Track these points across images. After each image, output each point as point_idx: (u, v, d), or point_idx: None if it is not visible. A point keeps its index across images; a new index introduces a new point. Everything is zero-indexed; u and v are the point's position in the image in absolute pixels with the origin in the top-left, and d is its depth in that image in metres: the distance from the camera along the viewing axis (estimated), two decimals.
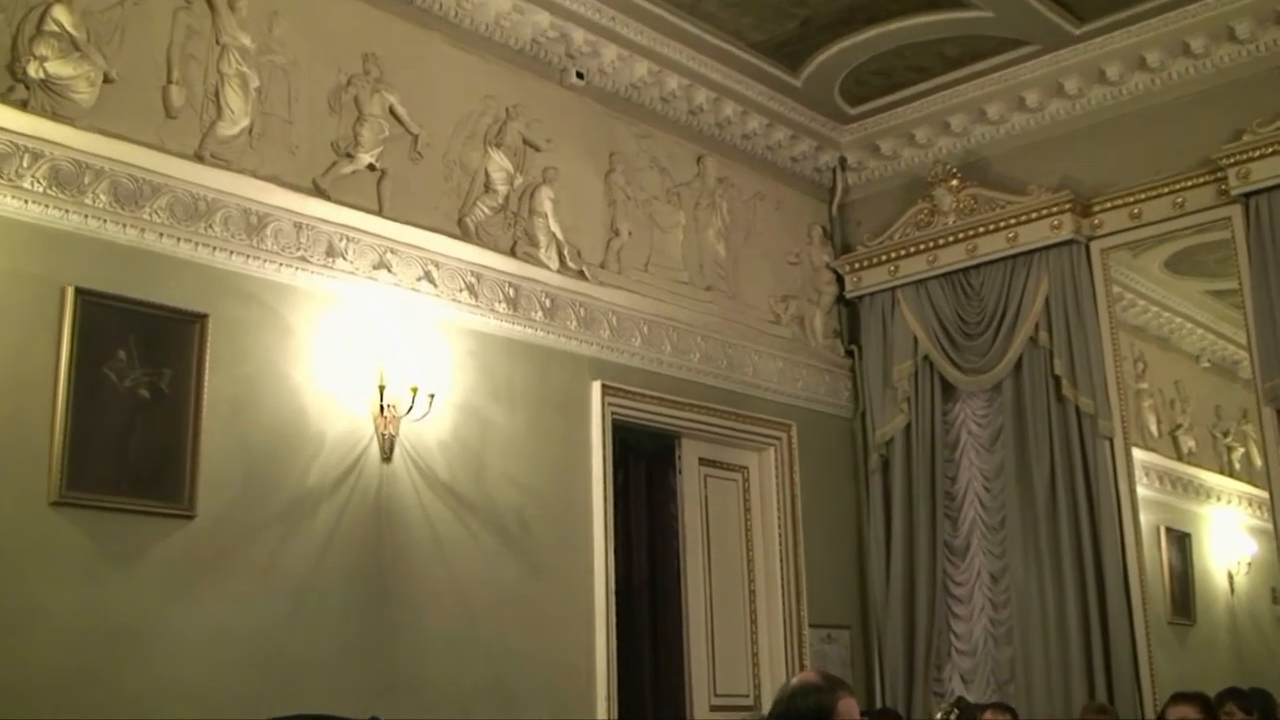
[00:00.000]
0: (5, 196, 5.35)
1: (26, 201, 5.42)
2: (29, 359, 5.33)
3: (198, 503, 5.72)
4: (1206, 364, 9.25)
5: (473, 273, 7.14)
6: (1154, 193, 8.20)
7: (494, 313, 7.22)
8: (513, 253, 7.43)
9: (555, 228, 7.65)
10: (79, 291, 5.48)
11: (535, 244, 7.55)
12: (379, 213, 6.77)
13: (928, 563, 8.82)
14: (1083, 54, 8.50)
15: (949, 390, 9.06)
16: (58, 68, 5.60)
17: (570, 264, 7.72)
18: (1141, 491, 8.23)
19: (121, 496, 5.48)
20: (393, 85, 6.96)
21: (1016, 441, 8.57)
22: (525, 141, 7.65)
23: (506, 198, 7.45)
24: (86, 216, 5.60)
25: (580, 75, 8.00)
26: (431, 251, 6.95)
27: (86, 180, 5.61)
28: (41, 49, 5.56)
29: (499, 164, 7.42)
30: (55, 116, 5.57)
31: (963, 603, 8.82)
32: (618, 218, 8.17)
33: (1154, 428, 8.84)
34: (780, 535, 8.74)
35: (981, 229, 8.85)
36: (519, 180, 7.53)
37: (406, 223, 6.87)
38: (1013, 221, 8.69)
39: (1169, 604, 8.46)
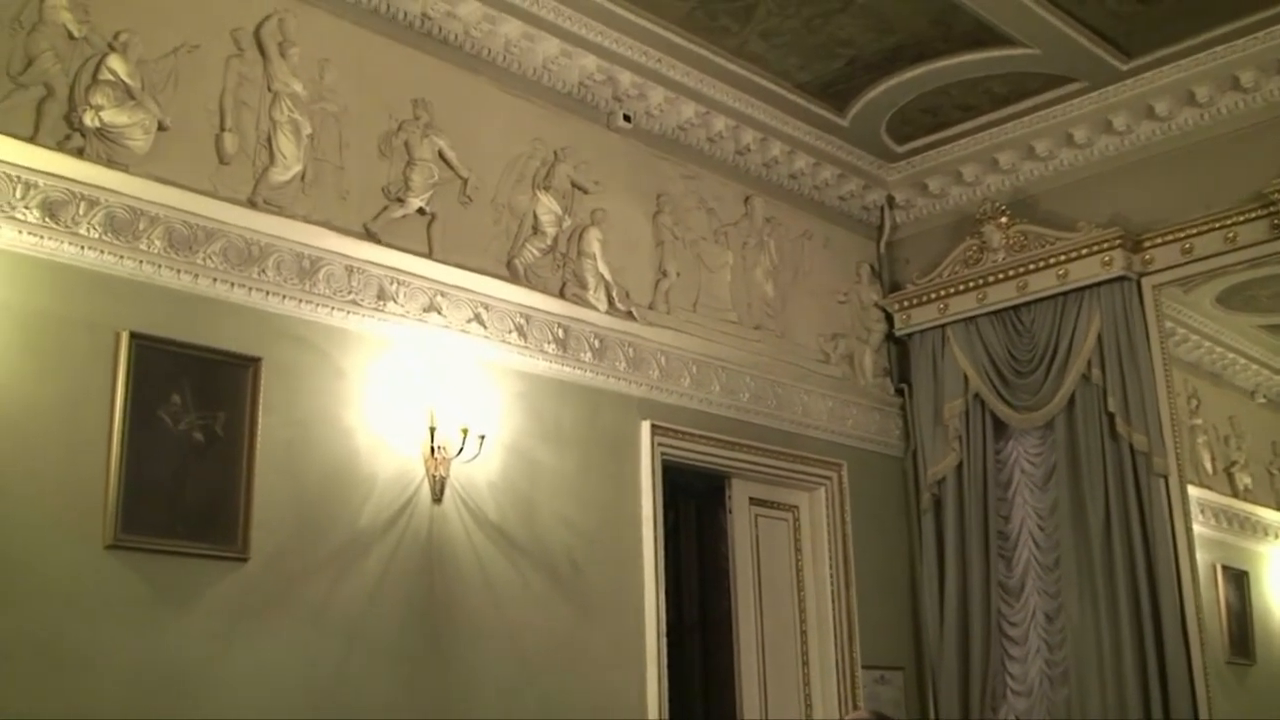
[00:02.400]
0: (62, 243, 5.44)
1: (83, 248, 5.50)
2: (85, 404, 5.39)
3: (251, 545, 5.75)
4: (1261, 400, 9.16)
5: (522, 314, 7.17)
6: (1205, 228, 8.13)
7: (543, 354, 7.24)
8: (561, 294, 7.46)
9: (604, 269, 7.68)
10: (134, 336, 5.54)
11: (584, 285, 7.58)
12: (429, 256, 6.82)
13: (982, 603, 8.74)
14: (1131, 90, 8.46)
15: (1001, 428, 8.99)
16: (113, 116, 5.69)
17: (619, 305, 7.74)
18: (1198, 529, 8.11)
19: (176, 540, 5.51)
20: (442, 130, 7.03)
21: (1070, 480, 8.49)
22: (573, 184, 7.70)
23: (555, 240, 7.49)
24: (141, 262, 5.67)
25: (627, 118, 8.05)
26: (481, 294, 6.99)
27: (141, 226, 5.68)
28: (97, 98, 5.66)
29: (547, 206, 7.46)
30: (110, 164, 5.66)
31: (1018, 643, 8.72)
32: (666, 258, 8.19)
33: (1209, 464, 8.74)
34: (832, 575, 8.69)
35: (1031, 266, 8.79)
36: (567, 222, 7.57)
37: (456, 265, 6.92)
38: (1063, 258, 8.63)
39: (1227, 643, 8.33)
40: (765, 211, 8.97)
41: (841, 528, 8.82)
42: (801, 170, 9.16)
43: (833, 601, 8.63)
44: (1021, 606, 8.74)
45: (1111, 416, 8.29)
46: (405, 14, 6.97)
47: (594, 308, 7.58)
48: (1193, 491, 8.19)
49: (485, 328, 6.97)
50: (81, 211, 5.51)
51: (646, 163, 8.27)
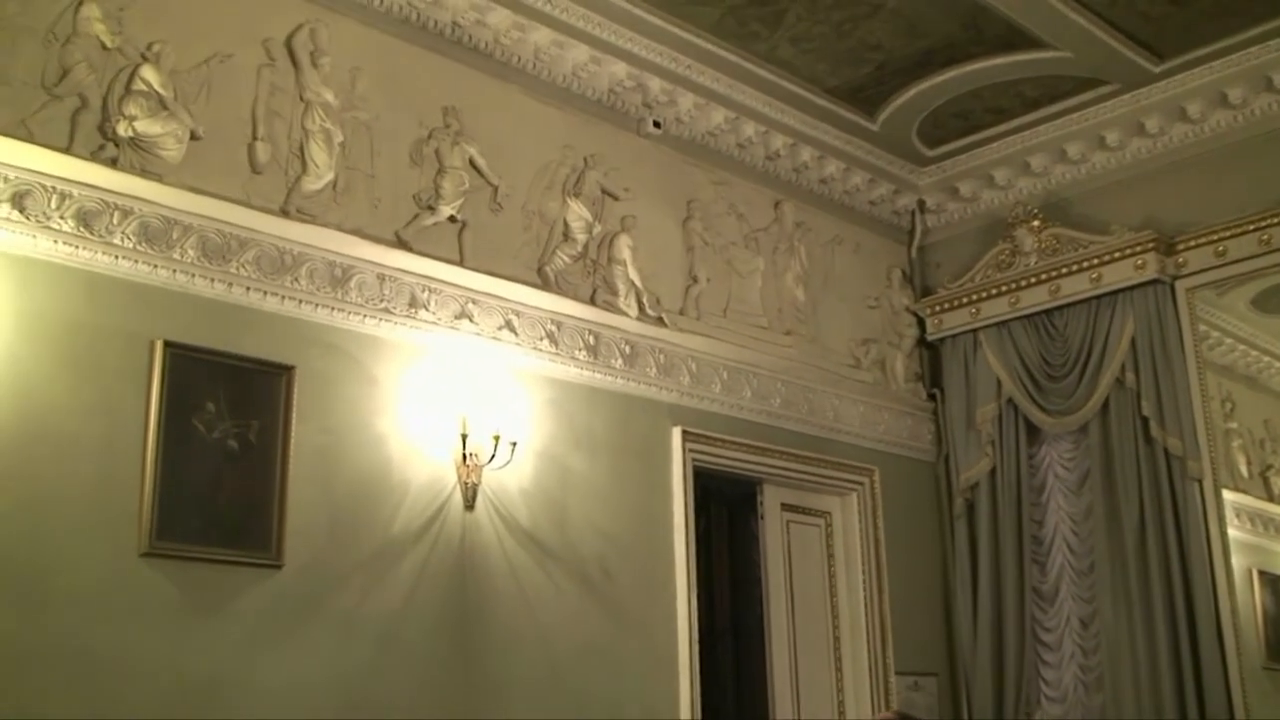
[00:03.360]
0: (96, 253, 5.48)
1: (117, 257, 5.54)
2: (120, 412, 5.43)
3: (285, 553, 5.78)
4: None
5: (553, 321, 7.19)
6: (1239, 230, 8.07)
7: (574, 360, 7.25)
8: (592, 301, 7.47)
9: (634, 275, 7.68)
10: (168, 345, 5.58)
11: (614, 292, 7.59)
12: (460, 263, 6.85)
13: (1016, 608, 8.70)
14: (1163, 92, 8.42)
15: (1034, 433, 8.95)
16: (146, 126, 5.73)
17: (649, 311, 7.74)
18: (1233, 533, 8.05)
19: (210, 547, 5.54)
20: (473, 137, 7.05)
21: (1104, 484, 8.44)
22: (603, 190, 7.71)
23: (585, 246, 7.50)
24: (175, 271, 5.71)
25: (657, 124, 8.05)
26: (512, 301, 7.01)
27: (175, 236, 5.72)
28: (130, 108, 5.70)
29: (578, 213, 7.48)
30: (144, 174, 5.70)
31: (1052, 649, 8.68)
32: (696, 264, 8.19)
33: (1244, 468, 8.67)
34: (864, 581, 8.67)
35: (1064, 270, 8.76)
36: (598, 229, 7.59)
37: (487, 273, 6.94)
38: (1096, 262, 8.60)
39: (1263, 648, 8.25)
40: (795, 217, 8.97)
41: (874, 533, 8.80)
42: (832, 175, 9.15)
43: (866, 607, 8.61)
44: (1055, 612, 8.70)
45: (1146, 420, 8.25)
46: (436, 22, 7.00)
47: (625, 314, 7.58)
48: (1228, 496, 8.13)
49: (516, 335, 6.99)
50: (116, 221, 5.55)
51: (676, 169, 8.27)
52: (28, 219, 5.30)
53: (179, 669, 5.37)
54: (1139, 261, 8.39)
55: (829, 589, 8.67)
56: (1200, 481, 8.03)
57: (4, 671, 4.92)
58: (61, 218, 5.39)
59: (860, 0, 7.43)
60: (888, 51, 8.04)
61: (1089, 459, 8.62)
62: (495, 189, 7.13)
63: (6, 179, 5.27)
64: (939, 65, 8.24)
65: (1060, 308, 8.82)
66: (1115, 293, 8.52)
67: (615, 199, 7.77)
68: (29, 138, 5.38)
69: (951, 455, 9.27)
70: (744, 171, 8.69)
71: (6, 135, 5.31)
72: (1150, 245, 8.33)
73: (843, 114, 8.74)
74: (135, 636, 5.27)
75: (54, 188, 5.39)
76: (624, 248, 7.68)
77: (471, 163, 7.02)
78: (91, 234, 5.47)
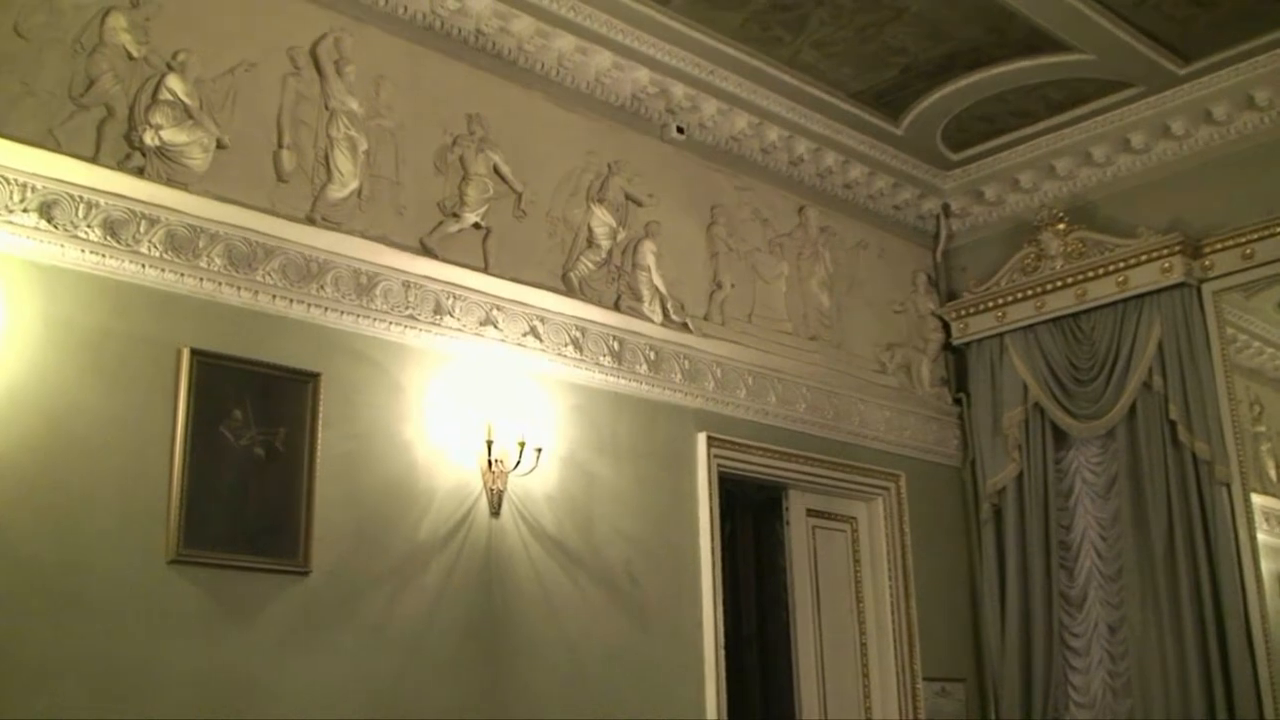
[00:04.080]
0: (123, 261, 5.51)
1: (144, 266, 5.57)
2: (147, 420, 5.45)
3: (312, 559, 5.80)
4: None
5: (577, 327, 7.19)
6: (1266, 233, 8.02)
7: (599, 366, 7.26)
8: (616, 307, 7.47)
9: (658, 281, 7.68)
10: (195, 353, 5.60)
11: (639, 298, 7.59)
12: (485, 270, 6.86)
13: (1043, 614, 8.66)
14: (1188, 94, 8.38)
15: (1061, 437, 8.91)
16: (172, 135, 5.76)
17: (674, 317, 7.74)
18: (1262, 538, 7.98)
19: (238, 554, 5.56)
20: (496, 144, 7.07)
21: (1132, 489, 8.40)
22: (627, 196, 7.72)
23: (610, 252, 7.50)
24: (202, 279, 5.73)
25: (681, 129, 8.06)
26: (536, 307, 7.01)
27: (201, 244, 5.75)
28: (156, 117, 5.74)
29: (602, 219, 7.48)
30: (170, 183, 5.73)
31: (1080, 655, 8.63)
32: (720, 270, 8.19)
33: (1272, 472, 8.60)
34: (891, 586, 8.64)
35: (1090, 273, 8.72)
36: (622, 235, 7.59)
37: (512, 279, 6.95)
38: (1122, 265, 8.56)
39: None
40: (820, 221, 8.95)
41: (900, 539, 8.77)
42: (856, 180, 9.13)
43: (892, 613, 8.58)
44: (1084, 617, 8.65)
45: (1173, 424, 8.20)
46: (459, 30, 7.02)
47: (649, 320, 7.58)
48: (1256, 500, 8.07)
49: (541, 341, 7.00)
50: (142, 230, 5.58)
51: (700, 174, 8.27)
52: (55, 228, 5.33)
53: (207, 676, 5.39)
54: (1165, 264, 8.35)
55: (855, 595, 8.64)
56: (1228, 485, 7.98)
57: (33, 678, 4.94)
58: (89, 227, 5.42)
59: (883, 4, 7.42)
60: (911, 55, 8.02)
61: (1116, 463, 8.58)
62: (519, 196, 7.14)
63: (34, 189, 5.30)
64: (963, 69, 8.23)
65: (1087, 311, 8.79)
66: (1142, 296, 8.48)
67: (639, 205, 7.78)
68: (56, 148, 5.42)
69: (978, 460, 9.24)
70: (768, 176, 8.69)
71: (34, 145, 5.35)
72: (1177, 248, 8.29)
73: (867, 118, 8.73)
74: (163, 643, 5.29)
75: (81, 197, 5.42)
76: (648, 253, 7.68)
77: (495, 169, 7.03)
78: (118, 243, 5.50)
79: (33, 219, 5.28)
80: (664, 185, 7.98)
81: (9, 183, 5.25)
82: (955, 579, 9.14)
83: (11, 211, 5.23)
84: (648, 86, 7.82)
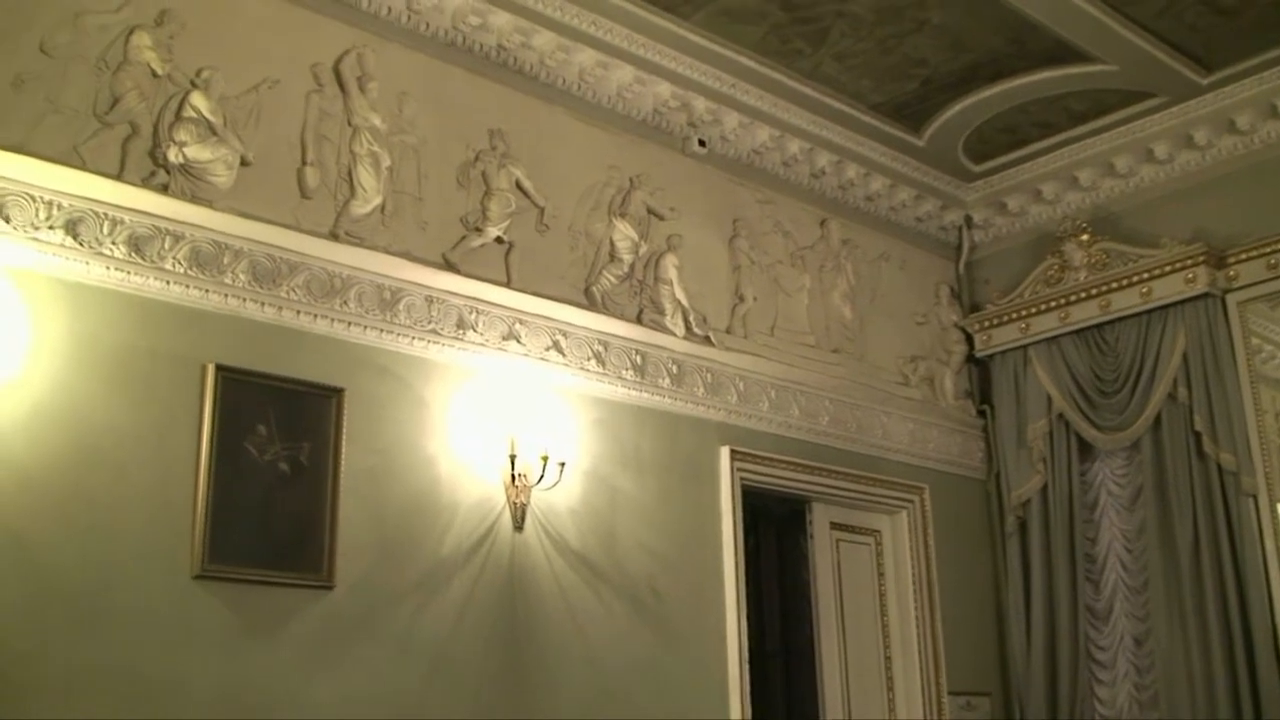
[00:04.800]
0: (148, 278, 5.54)
1: (168, 282, 5.59)
2: (172, 435, 5.47)
3: (336, 574, 5.81)
4: None
5: (600, 341, 7.20)
6: None
7: (621, 380, 7.26)
8: (639, 320, 7.48)
9: (680, 295, 7.68)
10: (220, 369, 5.62)
11: (661, 311, 7.59)
12: (507, 285, 6.87)
13: (1069, 627, 8.61)
14: (1211, 104, 8.35)
15: (1086, 449, 8.88)
16: (196, 152, 5.79)
17: (696, 330, 7.74)
18: None
19: (262, 569, 5.57)
20: (519, 159, 7.09)
21: (1158, 500, 8.36)
22: (649, 210, 7.73)
23: (632, 266, 7.51)
24: (226, 296, 5.76)
25: (702, 143, 8.07)
26: (559, 321, 7.02)
27: (226, 260, 5.78)
28: (181, 134, 5.76)
29: (624, 233, 7.49)
30: (195, 199, 5.76)
31: (1106, 668, 8.58)
32: (742, 283, 8.18)
33: None
34: (916, 600, 8.60)
35: (1114, 284, 8.69)
36: (644, 249, 7.60)
37: (534, 294, 6.96)
38: (1146, 276, 8.53)
39: None
40: (842, 234, 8.95)
41: (925, 552, 8.74)
42: (878, 192, 9.12)
43: (917, 626, 8.55)
44: (1109, 630, 8.61)
45: (1198, 436, 8.16)
46: (481, 45, 7.05)
47: (671, 333, 7.58)
48: None
49: (564, 355, 7.01)
50: (167, 246, 5.61)
51: (722, 187, 8.28)
52: (80, 245, 5.36)
53: (232, 690, 5.40)
54: (1190, 275, 8.32)
55: (879, 608, 8.61)
56: (1255, 497, 7.94)
57: (59, 693, 4.96)
58: (113, 244, 5.45)
59: (904, 16, 7.42)
60: (932, 67, 8.02)
61: (1142, 475, 8.54)
62: (541, 210, 7.16)
63: (59, 206, 5.33)
64: (984, 80, 8.22)
65: (1111, 322, 8.76)
66: (1166, 307, 8.45)
67: (661, 218, 7.78)
68: (81, 165, 5.45)
69: (1002, 472, 9.21)
70: (789, 189, 8.69)
71: (59, 163, 5.38)
72: (1201, 259, 8.26)
73: (888, 130, 8.72)
74: (188, 658, 5.31)
75: (106, 214, 5.45)
76: (670, 267, 7.68)
77: (518, 184, 7.05)
78: (143, 259, 5.53)
79: (58, 236, 5.31)
80: (686, 199, 7.99)
81: (35, 200, 5.28)
82: (980, 592, 9.10)
83: (37, 229, 5.26)
84: (669, 100, 7.83)
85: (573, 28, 7.24)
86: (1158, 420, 8.42)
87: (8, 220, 5.19)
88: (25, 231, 5.23)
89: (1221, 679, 7.80)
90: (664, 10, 7.30)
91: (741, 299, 8.14)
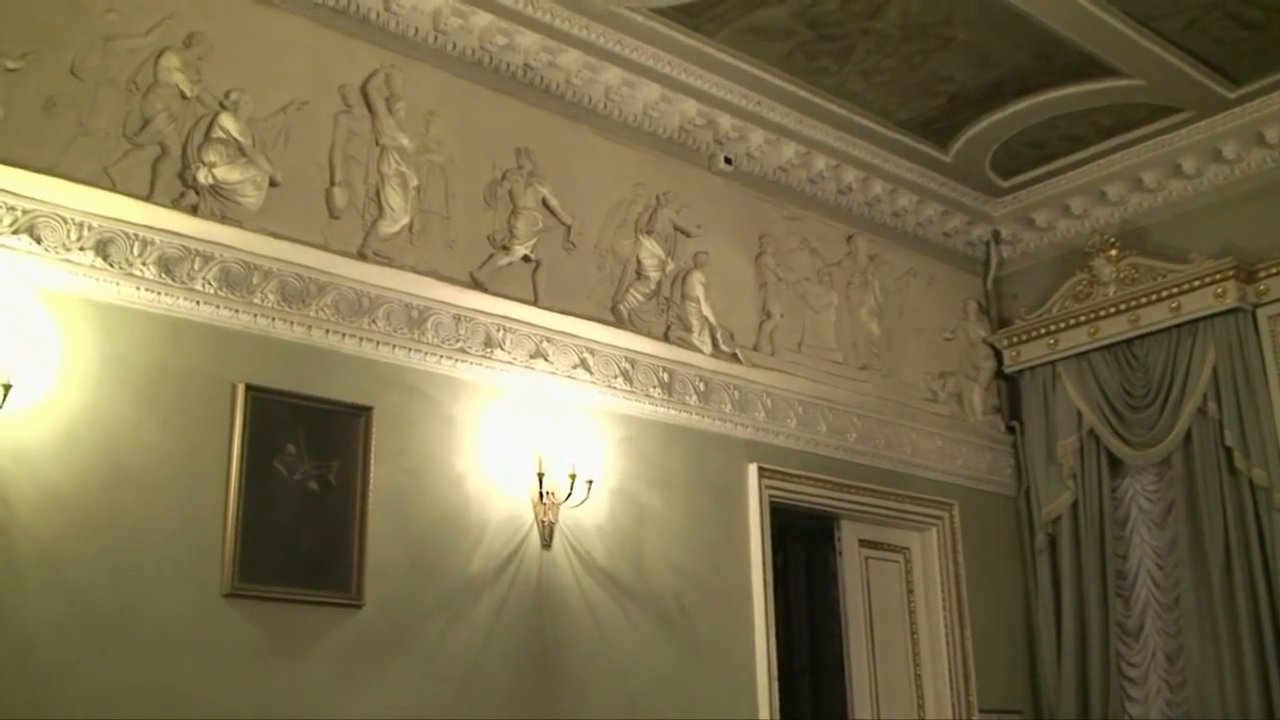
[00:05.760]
0: (178, 298, 5.57)
1: (198, 303, 5.63)
2: (203, 455, 5.51)
3: (365, 592, 5.82)
4: None
5: (627, 359, 7.20)
6: None
7: (649, 398, 7.26)
8: (666, 338, 7.48)
9: (707, 312, 7.68)
10: (249, 388, 5.66)
11: (688, 328, 7.59)
12: (534, 303, 6.89)
13: (1100, 644, 8.56)
14: (1239, 118, 8.31)
15: (1116, 465, 8.83)
16: (226, 173, 5.84)
17: (723, 347, 7.74)
18: None
19: (292, 587, 5.60)
20: (545, 178, 7.11)
21: (1189, 516, 8.31)
22: (676, 228, 7.73)
23: (659, 284, 7.52)
24: (256, 315, 5.79)
25: (728, 160, 8.07)
26: (586, 339, 7.03)
27: (255, 281, 5.81)
28: (210, 156, 5.81)
29: (650, 251, 7.50)
30: (224, 220, 5.80)
31: (1138, 684, 8.53)
32: (769, 300, 8.18)
33: None
34: (946, 617, 8.56)
35: (1143, 299, 8.65)
36: (670, 266, 7.60)
37: (561, 312, 6.97)
38: (1175, 290, 8.49)
39: None
40: (869, 250, 8.93)
41: (954, 569, 8.70)
42: (905, 208, 9.11)
43: (947, 644, 8.50)
44: (1141, 647, 8.55)
45: (1229, 451, 8.11)
46: (508, 65, 7.07)
47: (698, 350, 7.58)
48: None
49: (591, 373, 7.01)
50: (197, 267, 5.65)
51: (748, 205, 8.28)
52: (111, 266, 5.41)
53: (261, 709, 5.41)
54: (1219, 289, 8.27)
55: (909, 626, 8.57)
56: None
57: (90, 711, 4.97)
58: (144, 264, 5.49)
59: (930, 33, 7.42)
60: (959, 83, 8.01)
61: (1172, 491, 8.49)
62: (568, 228, 7.17)
63: (90, 227, 5.38)
64: (1011, 96, 8.20)
65: (1140, 337, 8.72)
66: (1196, 321, 8.41)
67: (688, 236, 7.79)
68: (111, 186, 5.50)
69: (1032, 489, 9.17)
70: (816, 206, 8.68)
71: (90, 184, 5.43)
72: (1230, 273, 8.22)
73: (915, 146, 8.71)
74: (218, 677, 5.33)
75: (136, 235, 5.50)
76: (697, 284, 7.69)
77: (544, 203, 7.07)
78: (173, 280, 5.56)
79: (89, 257, 5.35)
80: (712, 216, 7.99)
81: (66, 222, 5.33)
82: (1010, 609, 9.05)
83: (68, 250, 5.31)
84: (695, 118, 7.84)
85: (599, 46, 7.26)
86: (1188, 435, 8.37)
87: (39, 241, 5.25)
88: (56, 253, 5.28)
89: (1254, 694, 7.74)
90: (690, 28, 7.32)
91: (768, 316, 8.13)
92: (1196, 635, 8.13)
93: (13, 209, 5.21)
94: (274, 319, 5.84)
